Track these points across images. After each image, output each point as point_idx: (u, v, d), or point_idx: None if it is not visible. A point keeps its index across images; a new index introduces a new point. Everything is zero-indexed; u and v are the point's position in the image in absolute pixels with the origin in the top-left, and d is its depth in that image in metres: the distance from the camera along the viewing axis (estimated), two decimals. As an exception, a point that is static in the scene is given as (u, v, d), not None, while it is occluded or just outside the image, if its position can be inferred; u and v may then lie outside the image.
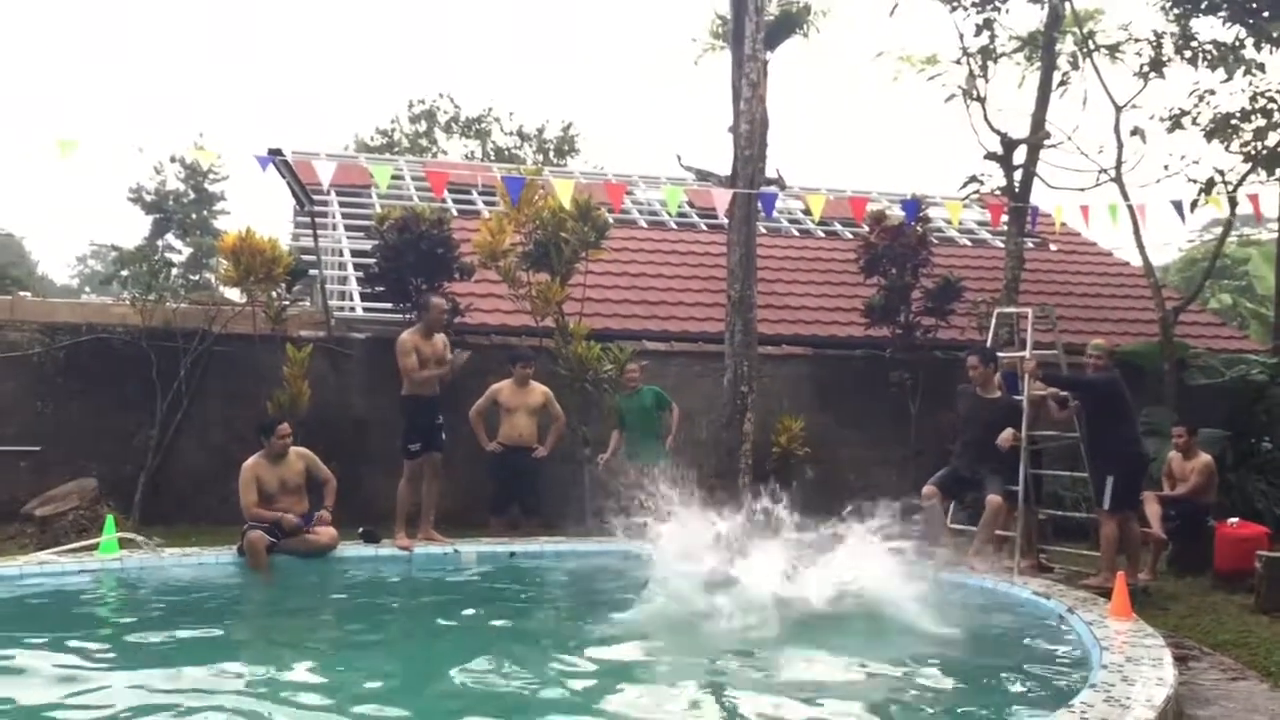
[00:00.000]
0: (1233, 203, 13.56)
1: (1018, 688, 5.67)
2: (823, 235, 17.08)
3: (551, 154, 37.35)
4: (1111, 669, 5.20)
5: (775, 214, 16.43)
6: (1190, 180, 13.79)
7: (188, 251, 39.39)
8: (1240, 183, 13.66)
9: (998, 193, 14.28)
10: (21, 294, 18.23)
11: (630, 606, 7.19)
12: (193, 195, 40.49)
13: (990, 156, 13.74)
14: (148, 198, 39.78)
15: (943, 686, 5.78)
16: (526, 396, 10.14)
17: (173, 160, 38.90)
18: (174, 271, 23.84)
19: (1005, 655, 6.44)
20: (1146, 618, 6.67)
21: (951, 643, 6.74)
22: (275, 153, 10.98)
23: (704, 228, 16.59)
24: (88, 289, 49.05)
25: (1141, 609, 7.27)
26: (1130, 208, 12.80)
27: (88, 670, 5.60)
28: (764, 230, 15.21)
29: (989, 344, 9.62)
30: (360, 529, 8.87)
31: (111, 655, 5.96)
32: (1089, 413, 8.65)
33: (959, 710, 5.35)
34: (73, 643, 6.12)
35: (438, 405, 9.30)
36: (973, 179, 14.35)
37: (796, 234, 17.12)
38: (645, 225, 16.57)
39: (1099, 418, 8.56)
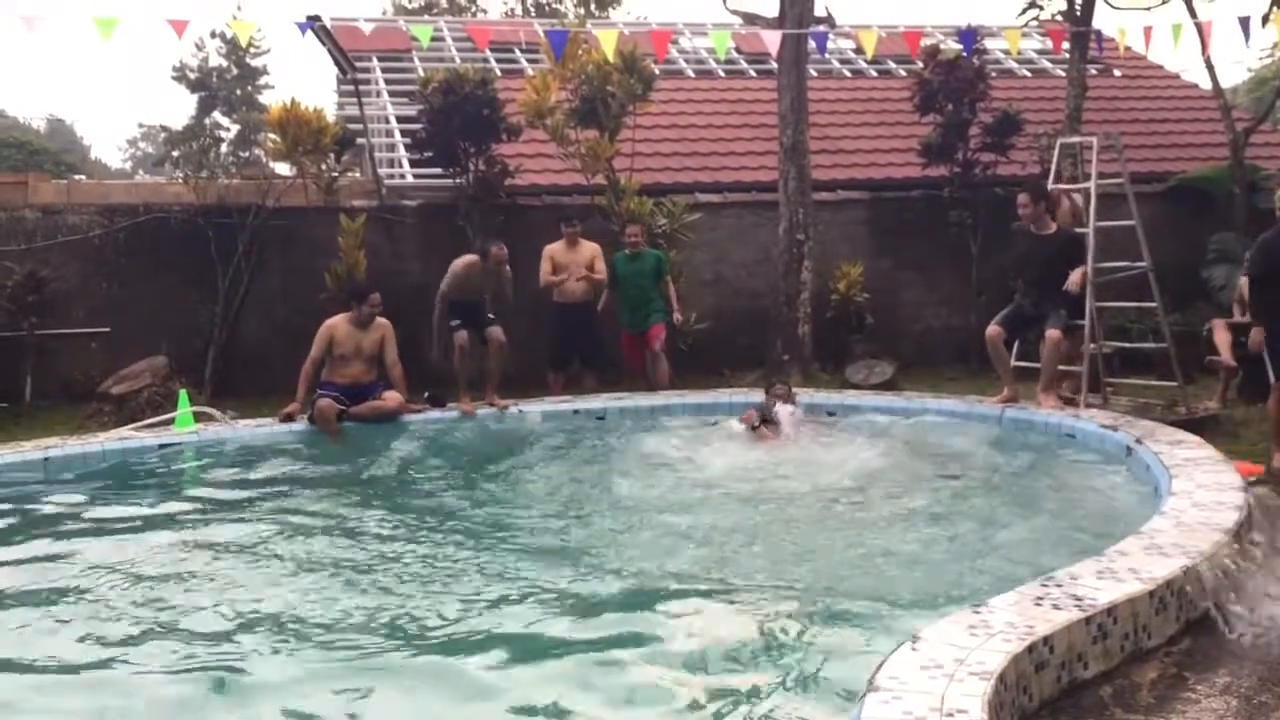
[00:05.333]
0: (1308, 15, 12.89)
1: (1087, 518, 5.69)
2: (876, 74, 16.60)
3: (592, 5, 36.42)
4: (1181, 495, 5.17)
5: (826, 55, 15.98)
6: (1262, -7, 13.13)
7: (235, 128, 39.38)
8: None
9: (1058, 18, 13.70)
10: (76, 178, 18.40)
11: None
12: (236, 71, 40.30)
13: (1050, -20, 13.16)
14: (191, 76, 39.68)
15: (1012, 518, 5.82)
16: (577, 255, 10.15)
17: (213, 36, 38.64)
18: (224, 148, 23.95)
19: (1073, 487, 6.45)
20: (1217, 445, 6.61)
21: (1020, 477, 6.78)
22: (313, 19, 10.81)
23: (753, 74, 16.19)
24: (140, 171, 49.38)
25: (1212, 436, 7.22)
26: (1197, 26, 12.23)
27: (177, 535, 5.82)
28: (814, 73, 14.83)
29: (1051, 177, 9.37)
30: (426, 393, 9.00)
31: (201, 521, 6.17)
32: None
33: (1029, 539, 5.38)
34: (159, 511, 6.37)
35: (478, 302, 9.37)
36: (1032, 4, 13.78)
37: (848, 75, 16.65)
38: (693, 75, 16.21)
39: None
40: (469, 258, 9.11)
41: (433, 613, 4.49)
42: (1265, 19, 12.47)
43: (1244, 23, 11.05)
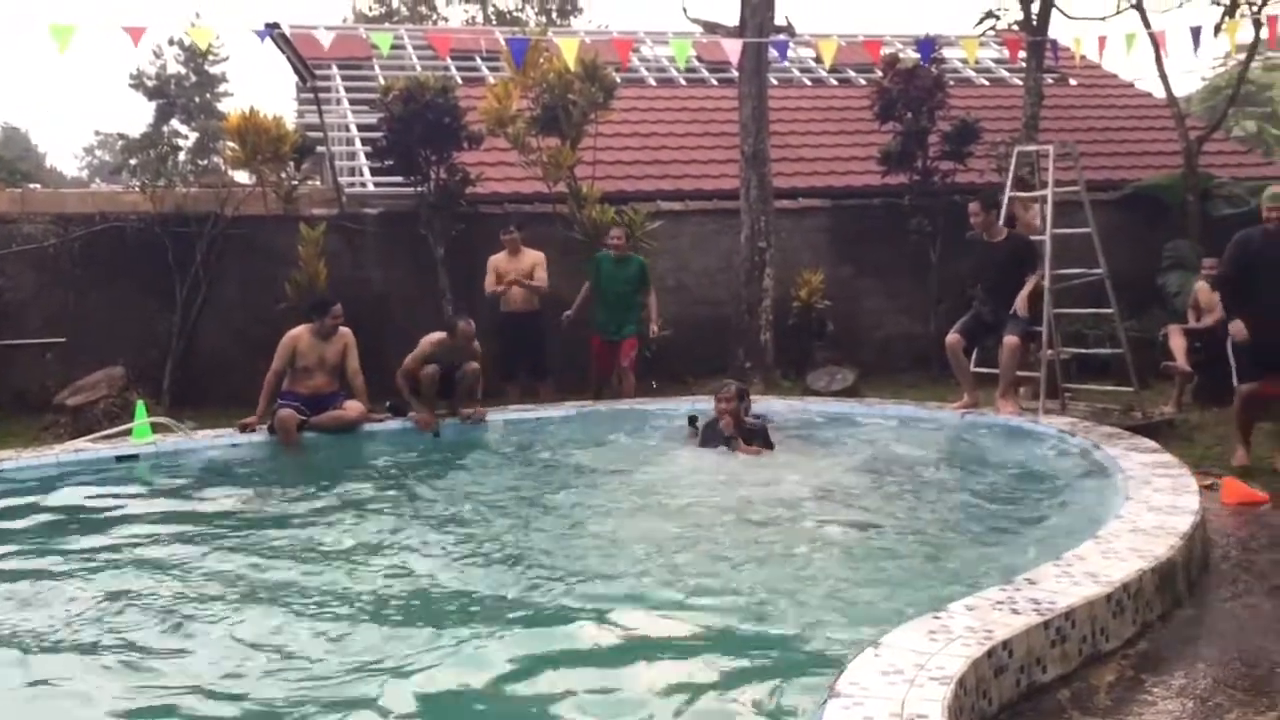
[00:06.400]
0: (1257, 25, 13.13)
1: (1045, 523, 5.75)
2: (836, 83, 16.71)
3: (554, 14, 36.47)
4: (1137, 500, 5.23)
5: (786, 63, 16.10)
6: (1214, 3, 13.36)
7: (194, 136, 39.03)
8: (1265, 3, 13.18)
9: (1015, 27, 13.86)
10: (31, 187, 18.17)
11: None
12: (194, 78, 40.00)
13: (1007, -11, 13.31)
14: (149, 83, 39.32)
15: (972, 522, 5.86)
16: (518, 263, 10.19)
17: (171, 43, 38.32)
18: (181, 156, 23.67)
19: (1032, 492, 6.51)
20: (1172, 449, 6.70)
21: (980, 482, 6.84)
22: (272, 26, 10.74)
23: (714, 83, 16.26)
24: (97, 180, 48.81)
25: (1167, 441, 7.32)
26: (1151, 36, 12.43)
27: (133, 548, 5.73)
28: (775, 82, 14.90)
29: (1009, 185, 9.46)
30: (387, 403, 8.93)
31: (158, 533, 6.07)
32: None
33: (988, 544, 5.43)
34: (115, 524, 6.27)
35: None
36: (989, 14, 13.97)
37: (809, 83, 16.75)
38: (654, 83, 16.26)
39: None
40: (437, 335, 8.73)
41: (385, 622, 4.47)
42: (1217, 28, 12.68)
43: (1195, 33, 11.26)
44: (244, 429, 8.27)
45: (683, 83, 16.35)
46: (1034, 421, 7.86)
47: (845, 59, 15.54)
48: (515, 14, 36.66)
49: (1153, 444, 6.67)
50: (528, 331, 10.18)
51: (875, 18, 61.97)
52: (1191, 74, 43.25)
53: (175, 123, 39.96)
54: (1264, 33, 12.93)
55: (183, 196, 11.64)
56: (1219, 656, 3.99)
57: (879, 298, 13.20)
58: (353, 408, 8.46)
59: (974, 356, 8.72)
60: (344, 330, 8.54)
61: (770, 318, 11.95)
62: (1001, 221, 8.70)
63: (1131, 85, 17.77)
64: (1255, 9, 13.09)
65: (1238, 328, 7.24)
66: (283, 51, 11.65)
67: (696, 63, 16.38)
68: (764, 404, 9.08)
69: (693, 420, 8.38)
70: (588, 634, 4.29)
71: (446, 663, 4.01)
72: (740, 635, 4.20)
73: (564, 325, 10.25)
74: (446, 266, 11.47)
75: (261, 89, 54.63)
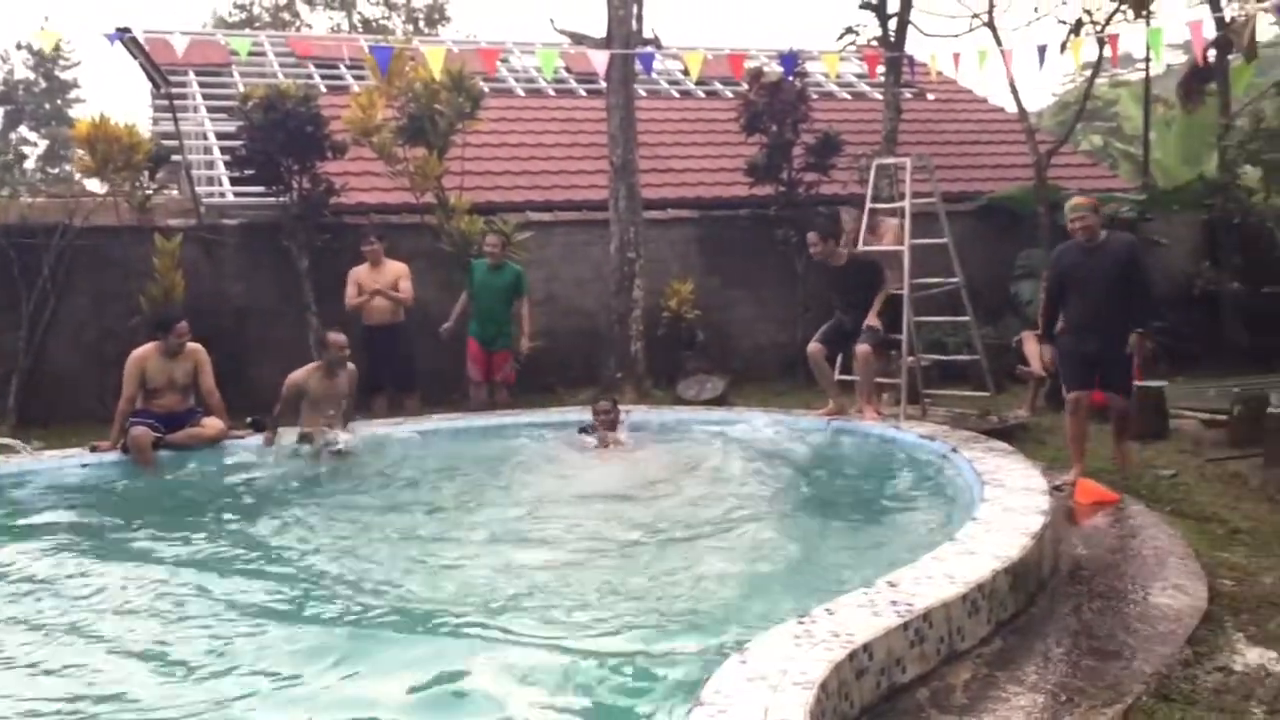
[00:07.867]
0: (1100, 44, 13.71)
1: (905, 525, 5.89)
2: (703, 95, 16.89)
3: (421, 23, 36.08)
4: (993, 502, 5.39)
5: (654, 75, 16.19)
6: (1060, 22, 13.93)
7: (43, 144, 37.44)
8: (1108, 22, 13.79)
9: (874, 43, 14.21)
10: None
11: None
12: (44, 84, 38.34)
13: (865, 5, 13.62)
14: (-6, 89, 37.55)
15: (838, 527, 5.97)
16: (380, 275, 10.08)
17: (19, 47, 36.72)
18: (29, 165, 22.73)
19: (892, 495, 6.68)
20: (1026, 451, 6.94)
21: (844, 487, 6.98)
22: (123, 31, 10.38)
23: (582, 93, 16.27)
24: (-62, 189, 46.35)
25: (1021, 443, 7.58)
26: (1002, 53, 12.87)
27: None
28: (643, 93, 14.99)
29: (869, 197, 9.68)
30: (248, 418, 8.68)
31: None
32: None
33: (854, 547, 5.53)
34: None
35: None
36: (849, 30, 14.24)
37: (676, 95, 16.89)
38: (522, 94, 16.19)
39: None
40: (310, 365, 8.31)
41: (234, 648, 4.34)
42: (1063, 46, 13.19)
43: (1041, 50, 11.72)
44: (95, 450, 7.93)
45: (551, 93, 16.32)
46: (895, 426, 8.05)
47: (711, 72, 15.70)
48: (382, 22, 36.16)
49: (1007, 446, 6.90)
50: (393, 344, 10.02)
51: (740, 32, 63.03)
52: (1042, 90, 45.09)
53: (23, 130, 38.27)
54: (1107, 51, 13.50)
55: (28, 206, 11.17)
56: (1068, 653, 4.13)
57: (748, 307, 13.37)
58: (211, 424, 8.17)
59: (838, 364, 8.89)
60: (193, 346, 8.17)
61: (641, 328, 12.00)
62: (860, 237, 8.92)
63: (985, 101, 18.38)
64: (1098, 29, 13.67)
65: (1050, 359, 7.80)
66: (135, 57, 11.28)
67: (564, 73, 16.36)
68: (638, 414, 9.10)
69: (584, 430, 8.44)
70: (437, 651, 4.21)
71: (293, 691, 3.91)
72: (605, 648, 4.18)
73: (444, 339, 10.14)
74: (311, 279, 11.23)
75: (116, 95, 52.67)
